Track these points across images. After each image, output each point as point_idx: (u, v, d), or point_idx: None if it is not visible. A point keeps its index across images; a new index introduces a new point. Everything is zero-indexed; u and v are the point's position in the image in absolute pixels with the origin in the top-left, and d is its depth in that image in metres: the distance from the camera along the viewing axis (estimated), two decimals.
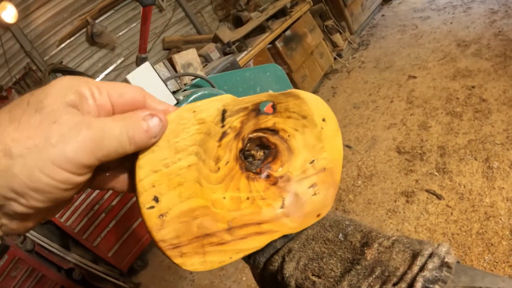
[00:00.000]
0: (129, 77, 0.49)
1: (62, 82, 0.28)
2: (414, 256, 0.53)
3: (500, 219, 1.71)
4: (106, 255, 2.71)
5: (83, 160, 0.26)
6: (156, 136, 0.33)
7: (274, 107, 0.49)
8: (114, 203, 2.79)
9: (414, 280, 0.49)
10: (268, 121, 0.51)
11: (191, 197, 0.40)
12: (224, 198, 0.48)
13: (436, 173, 2.16)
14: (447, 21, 4.02)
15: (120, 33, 3.46)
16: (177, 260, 0.40)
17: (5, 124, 0.25)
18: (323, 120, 0.53)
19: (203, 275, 2.47)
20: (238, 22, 4.03)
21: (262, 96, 0.45)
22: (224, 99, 0.41)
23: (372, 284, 0.53)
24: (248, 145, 0.52)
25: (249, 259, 0.72)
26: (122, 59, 3.42)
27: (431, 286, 0.48)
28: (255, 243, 0.53)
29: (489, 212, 1.77)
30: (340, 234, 0.65)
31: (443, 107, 2.66)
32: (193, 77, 0.68)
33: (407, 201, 2.10)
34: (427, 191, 2.09)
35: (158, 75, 0.52)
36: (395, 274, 0.52)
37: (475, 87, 2.67)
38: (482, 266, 1.57)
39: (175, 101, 0.56)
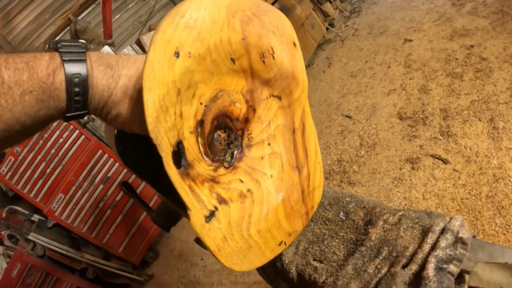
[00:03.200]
0: None
1: None
2: (424, 232, 0.48)
3: (510, 180, 1.67)
4: (117, 251, 2.72)
5: None
6: None
7: None
8: (118, 198, 2.78)
9: (425, 260, 0.44)
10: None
11: None
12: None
13: (440, 137, 2.11)
14: None
15: None
16: None
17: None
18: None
19: (214, 260, 2.46)
20: None
21: None
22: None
23: (379, 266, 0.48)
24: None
25: None
26: None
27: (445, 266, 0.42)
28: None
29: (498, 173, 1.72)
30: (341, 212, 0.60)
31: (443, 69, 2.58)
32: None
33: (413, 168, 2.06)
34: (432, 156, 2.04)
35: (139, 45, 0.47)
36: (404, 254, 0.47)
37: (474, 46, 2.58)
38: (494, 230, 1.53)
39: None
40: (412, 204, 1.87)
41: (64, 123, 2.55)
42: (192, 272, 2.55)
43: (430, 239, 0.47)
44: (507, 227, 1.52)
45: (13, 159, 2.44)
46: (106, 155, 2.79)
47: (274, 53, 0.46)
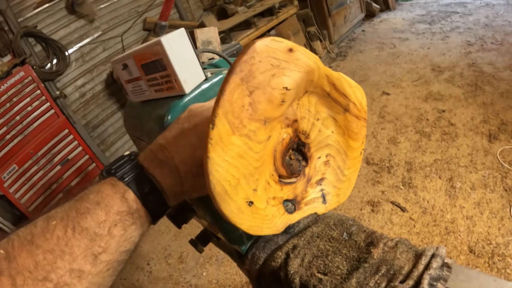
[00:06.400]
0: (163, 39, 0.46)
1: None
2: (418, 256, 0.56)
3: (459, 235, 1.82)
4: None
5: None
6: None
7: None
8: (73, 183, 2.65)
9: (421, 277, 0.51)
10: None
11: None
12: None
13: (401, 187, 2.26)
14: (424, 45, 4.22)
15: (102, 6, 3.27)
16: None
17: None
18: None
19: (161, 267, 2.41)
20: (222, 14, 3.98)
21: None
22: None
23: (379, 281, 0.54)
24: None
25: (247, 254, 0.71)
26: (99, 33, 3.24)
27: (435, 283, 0.50)
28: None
29: (450, 227, 1.88)
30: (345, 233, 0.65)
31: (413, 126, 2.79)
32: (210, 57, 0.67)
33: (373, 210, 2.17)
34: (392, 202, 2.17)
35: (192, 45, 0.49)
36: (401, 272, 0.54)
37: (445, 111, 2.83)
38: None
39: (204, 77, 0.53)
40: None
41: (37, 91, 2.44)
42: (136, 275, 2.45)
43: (423, 261, 0.54)
44: None
45: None
46: (71, 136, 2.68)
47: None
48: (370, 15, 5.80)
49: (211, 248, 2.34)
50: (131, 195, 0.40)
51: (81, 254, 0.34)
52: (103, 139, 3.31)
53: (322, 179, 0.57)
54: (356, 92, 0.55)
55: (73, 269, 0.33)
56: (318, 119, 0.53)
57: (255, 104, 0.39)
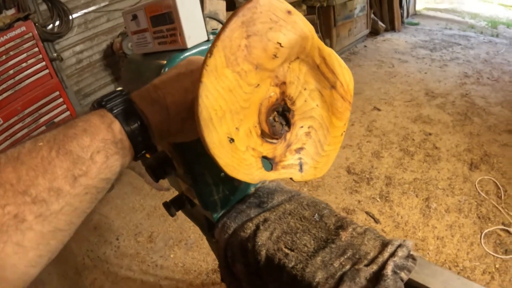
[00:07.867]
0: None
1: None
2: (384, 244, 0.58)
3: (428, 253, 1.87)
4: None
5: None
6: None
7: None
8: None
9: (385, 263, 0.53)
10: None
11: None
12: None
13: (378, 199, 2.31)
14: (422, 70, 4.31)
15: None
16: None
17: None
18: None
19: (130, 244, 2.39)
20: (230, 6, 4.00)
21: None
22: None
23: (343, 263, 0.56)
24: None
25: (217, 222, 0.72)
26: (106, 3, 3.23)
27: (398, 271, 0.52)
28: None
29: (419, 245, 1.93)
30: (316, 214, 0.67)
31: (398, 143, 2.86)
32: (214, 28, 0.68)
33: None
34: (367, 213, 2.22)
35: (201, 7, 0.51)
36: (366, 257, 0.56)
37: (432, 135, 2.90)
38: None
39: (206, 38, 0.55)
40: None
41: (35, 49, 2.41)
42: (102, 249, 2.42)
43: (389, 249, 0.56)
44: None
45: None
46: (61, 100, 2.65)
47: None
48: (374, 32, 5.88)
49: (182, 232, 2.34)
50: (117, 126, 0.41)
51: (62, 174, 0.35)
52: None
53: (301, 148, 0.58)
54: (345, 73, 0.58)
55: (52, 187, 0.34)
56: (305, 89, 0.55)
57: (250, 48, 0.42)
